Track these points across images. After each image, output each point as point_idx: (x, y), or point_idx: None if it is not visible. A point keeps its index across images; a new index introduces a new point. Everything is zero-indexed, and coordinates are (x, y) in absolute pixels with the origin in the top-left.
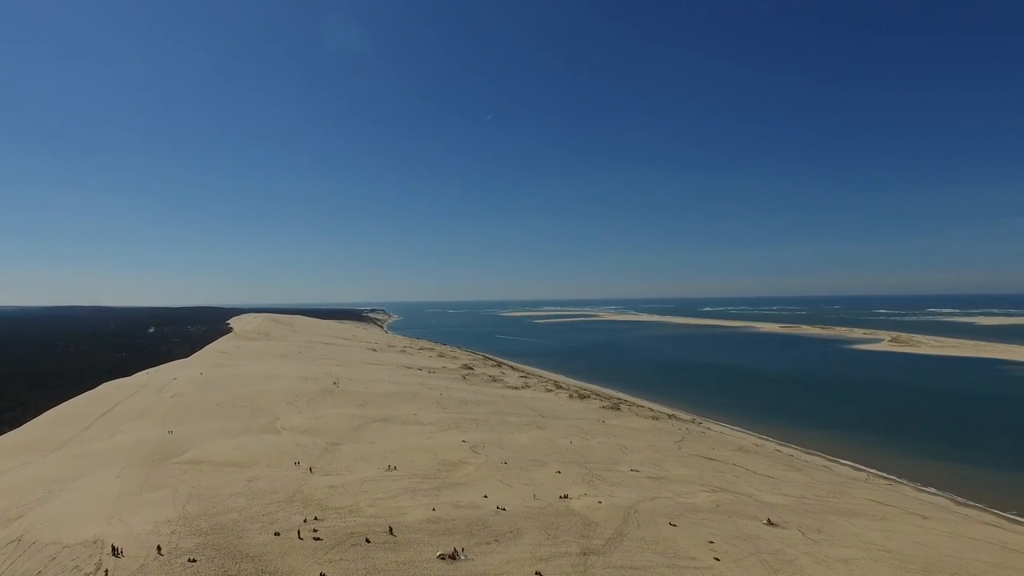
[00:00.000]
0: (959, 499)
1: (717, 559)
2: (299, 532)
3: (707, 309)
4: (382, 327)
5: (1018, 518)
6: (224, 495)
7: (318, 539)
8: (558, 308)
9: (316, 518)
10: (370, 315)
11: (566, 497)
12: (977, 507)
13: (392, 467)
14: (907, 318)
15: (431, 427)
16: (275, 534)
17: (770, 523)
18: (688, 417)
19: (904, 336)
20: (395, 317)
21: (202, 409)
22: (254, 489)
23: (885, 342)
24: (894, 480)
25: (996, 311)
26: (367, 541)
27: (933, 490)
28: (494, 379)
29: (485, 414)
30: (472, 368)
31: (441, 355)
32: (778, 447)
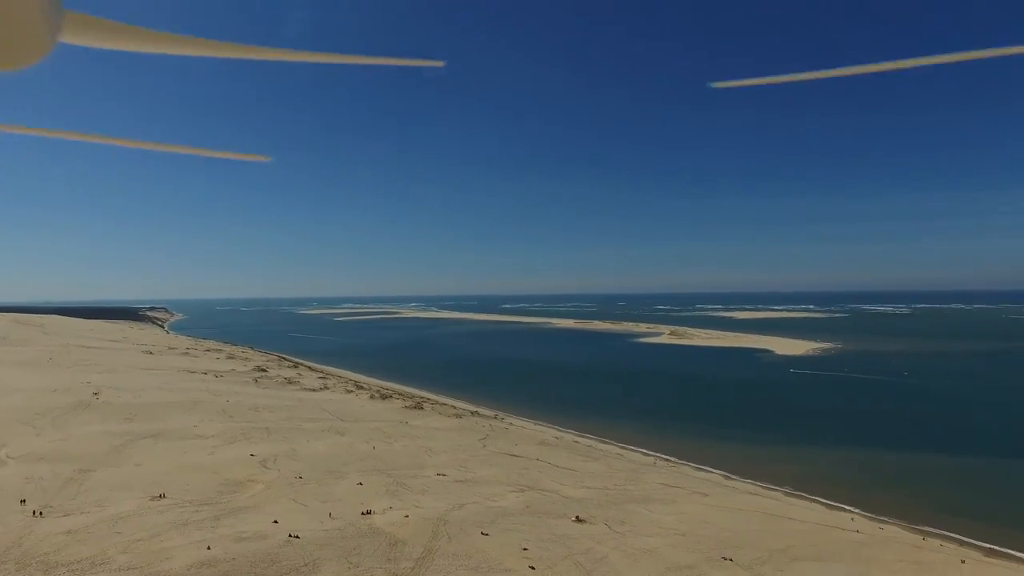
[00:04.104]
0: (728, 474)
1: (532, 567)
2: None
3: (506, 306)
4: (163, 327)
5: (770, 486)
6: None
7: None
8: (358, 305)
9: None
10: (148, 314)
11: (369, 513)
12: (739, 479)
13: (160, 495)
14: (682, 313)
15: (214, 440)
16: None
17: (578, 520)
18: (491, 413)
19: (680, 330)
20: (179, 316)
21: None
22: None
23: (665, 335)
24: (676, 462)
25: (748, 307)
26: None
27: (708, 468)
28: (290, 381)
29: (278, 421)
30: (265, 370)
31: (231, 356)
32: (576, 438)
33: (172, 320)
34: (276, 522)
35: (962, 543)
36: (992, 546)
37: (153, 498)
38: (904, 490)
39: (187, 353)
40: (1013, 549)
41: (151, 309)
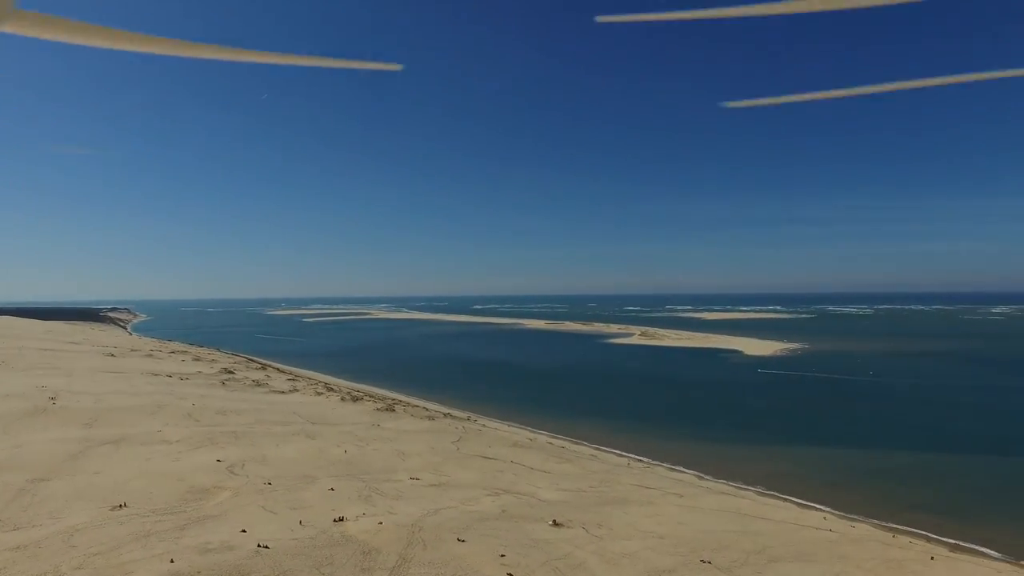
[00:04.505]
0: (701, 475)
1: (511, 574)
2: None
3: (477, 307)
4: (126, 328)
5: (743, 486)
6: None
7: None
8: (328, 306)
9: None
10: (111, 315)
11: (341, 520)
12: (712, 479)
13: (121, 504)
14: (652, 314)
15: (179, 445)
16: None
17: (555, 524)
18: (463, 415)
19: (651, 330)
20: (143, 317)
21: None
22: None
23: (636, 336)
24: (649, 462)
25: (716, 307)
26: None
27: (681, 468)
28: (258, 383)
29: (246, 425)
30: (233, 372)
31: (197, 358)
32: (550, 440)
33: (135, 321)
34: (244, 531)
35: (929, 539)
36: (957, 542)
37: (113, 508)
38: (872, 488)
39: (151, 355)
40: (976, 544)
41: (113, 310)
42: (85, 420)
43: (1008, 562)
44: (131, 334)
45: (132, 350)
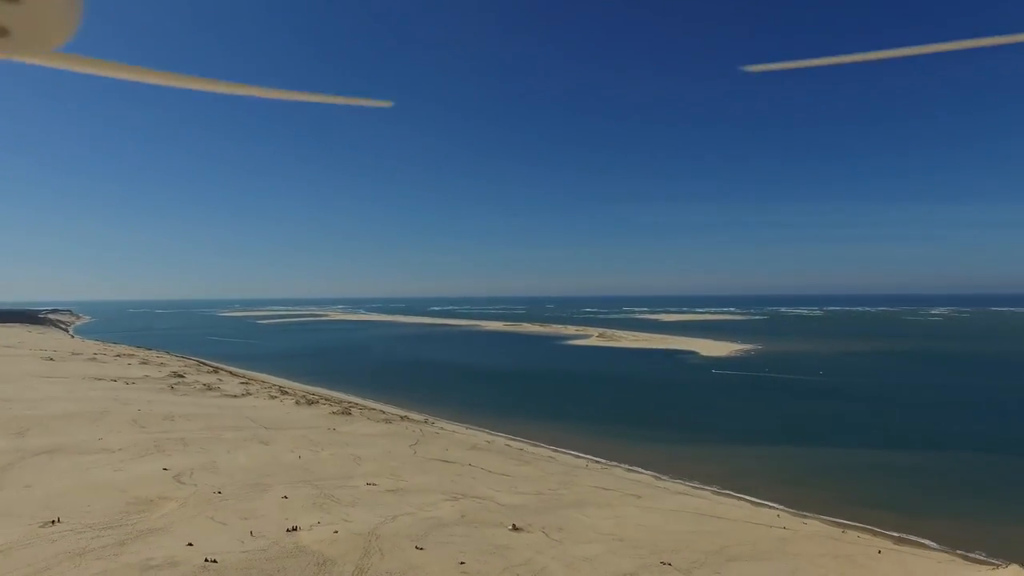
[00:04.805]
0: (658, 475)
1: None
2: None
3: (435, 309)
4: (67, 330)
5: (699, 486)
6: None
7: None
8: (283, 308)
9: None
10: (51, 316)
11: (295, 529)
12: (669, 480)
13: (54, 520)
14: (610, 315)
15: (122, 454)
16: None
17: (515, 528)
18: (421, 418)
19: (609, 332)
20: (86, 319)
21: None
22: None
23: (593, 337)
24: (607, 464)
25: (673, 309)
26: None
27: (639, 469)
28: (209, 387)
29: (196, 431)
30: (183, 376)
31: (144, 362)
32: (508, 442)
33: (78, 323)
34: (191, 545)
35: (875, 533)
36: (901, 535)
37: (44, 524)
38: (822, 485)
39: (94, 359)
40: (918, 536)
41: (53, 311)
42: (17, 429)
43: (946, 552)
44: (73, 337)
45: (73, 353)
